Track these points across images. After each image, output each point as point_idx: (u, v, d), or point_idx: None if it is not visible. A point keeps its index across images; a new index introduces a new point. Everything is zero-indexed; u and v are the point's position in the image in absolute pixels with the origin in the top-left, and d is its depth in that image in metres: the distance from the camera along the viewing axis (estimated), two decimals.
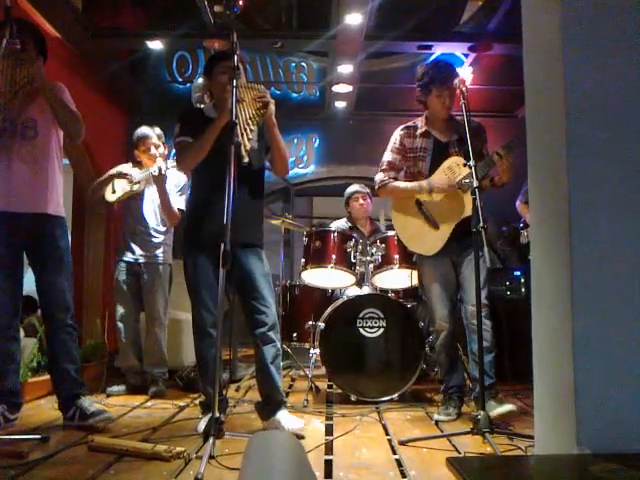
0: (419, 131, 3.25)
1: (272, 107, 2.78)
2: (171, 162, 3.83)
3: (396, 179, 3.28)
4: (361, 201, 4.65)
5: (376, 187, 3.32)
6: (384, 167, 3.29)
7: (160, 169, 3.68)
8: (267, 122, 2.83)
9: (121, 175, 3.88)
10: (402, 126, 3.32)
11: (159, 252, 4.01)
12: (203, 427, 2.41)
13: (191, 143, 2.83)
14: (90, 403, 2.92)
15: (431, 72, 3.15)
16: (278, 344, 2.84)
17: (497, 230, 4.99)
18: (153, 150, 3.95)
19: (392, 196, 3.30)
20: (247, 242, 2.84)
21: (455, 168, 3.07)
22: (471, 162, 2.72)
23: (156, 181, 3.76)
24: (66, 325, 2.91)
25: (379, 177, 3.29)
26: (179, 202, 3.92)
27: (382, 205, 4.60)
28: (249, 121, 2.69)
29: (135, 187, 3.88)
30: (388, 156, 3.30)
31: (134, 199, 3.97)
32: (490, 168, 2.99)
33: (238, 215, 2.51)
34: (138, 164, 4.02)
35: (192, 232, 2.91)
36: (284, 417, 2.76)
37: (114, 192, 3.91)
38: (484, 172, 2.95)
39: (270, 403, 2.81)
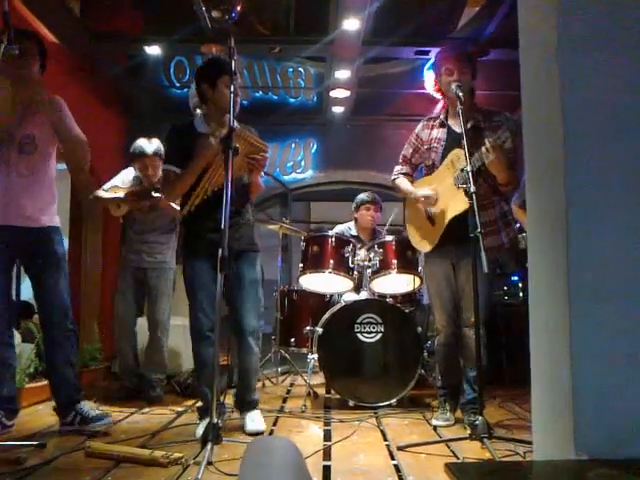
0: (437, 121, 3.18)
1: (260, 171, 2.90)
2: None
3: (407, 174, 3.28)
4: (372, 212, 4.53)
5: (390, 178, 3.37)
6: (399, 160, 3.33)
7: (158, 196, 3.76)
8: (254, 174, 2.94)
9: (128, 197, 3.89)
10: (425, 118, 3.29)
11: (165, 257, 4.03)
12: (201, 432, 2.42)
13: (175, 178, 2.90)
14: (90, 408, 2.96)
15: (438, 56, 3.15)
16: (255, 348, 2.98)
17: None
18: (150, 170, 3.92)
19: (398, 192, 3.34)
20: (241, 249, 2.94)
21: (456, 162, 2.92)
22: (468, 167, 2.68)
23: (157, 203, 3.83)
24: (66, 330, 2.93)
25: (394, 170, 3.34)
26: None
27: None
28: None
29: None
30: (404, 149, 3.31)
31: None
32: (481, 163, 2.82)
33: (232, 224, 2.61)
34: (137, 178, 4.01)
35: (190, 238, 2.97)
36: (251, 419, 2.92)
37: (119, 207, 3.92)
38: (475, 167, 2.78)
39: (243, 400, 3.02)
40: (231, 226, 2.60)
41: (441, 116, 3.18)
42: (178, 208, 3.88)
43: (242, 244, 2.97)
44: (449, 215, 2.96)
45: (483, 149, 2.79)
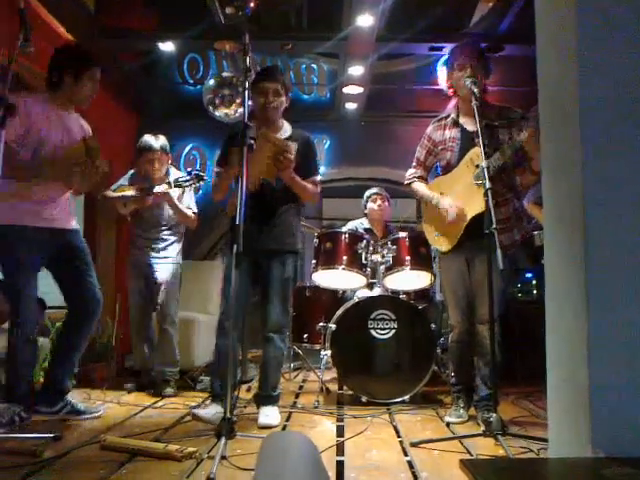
0: (448, 121, 3.16)
1: (287, 172, 2.97)
2: (176, 173, 4.03)
3: (422, 177, 3.27)
4: (379, 202, 4.60)
5: (404, 182, 3.35)
6: (413, 163, 3.30)
7: (164, 190, 3.83)
8: (281, 175, 3.01)
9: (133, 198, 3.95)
10: (435, 118, 3.26)
11: (170, 253, 4.09)
12: (204, 413, 2.78)
13: (217, 179, 3.14)
14: (76, 400, 3.16)
15: (451, 52, 3.13)
16: (279, 344, 3.09)
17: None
18: (156, 165, 3.99)
19: (414, 196, 3.33)
20: (273, 249, 3.07)
21: (476, 160, 2.87)
22: (483, 163, 2.67)
23: (163, 199, 3.89)
24: (95, 322, 3.14)
25: (408, 173, 3.32)
26: (193, 206, 4.10)
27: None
28: (257, 175, 2.91)
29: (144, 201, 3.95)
30: (417, 151, 3.28)
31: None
32: (513, 151, 2.79)
33: (264, 225, 2.98)
34: (140, 172, 4.06)
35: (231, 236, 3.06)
36: (265, 413, 2.99)
37: (125, 205, 3.97)
38: (507, 156, 2.79)
39: (261, 395, 3.11)
40: (265, 227, 2.98)
41: (452, 115, 3.15)
42: (188, 211, 4.01)
43: (275, 244, 3.08)
44: (470, 214, 2.94)
45: (523, 134, 2.74)
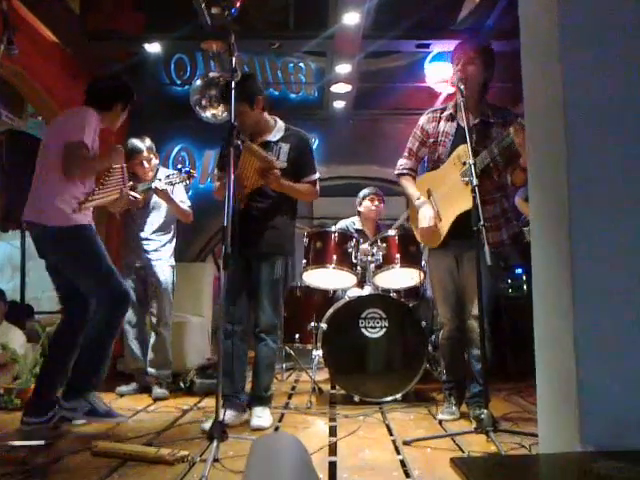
0: (445, 114, 3.13)
1: (274, 185, 3.02)
2: (165, 171, 4.07)
3: (412, 169, 3.24)
4: (376, 202, 4.60)
5: (395, 172, 3.33)
6: (405, 154, 3.27)
7: (157, 187, 3.84)
8: (270, 187, 3.06)
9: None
10: (429, 109, 3.24)
11: (162, 255, 4.08)
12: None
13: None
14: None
15: (454, 48, 3.13)
16: (271, 344, 3.09)
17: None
18: (145, 164, 4.04)
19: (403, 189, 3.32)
20: (262, 252, 3.09)
21: (463, 158, 2.85)
22: (470, 160, 2.67)
23: (159, 195, 3.90)
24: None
25: (399, 163, 3.29)
26: (186, 201, 4.13)
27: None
28: (246, 187, 3.01)
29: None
30: (409, 142, 3.25)
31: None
32: (503, 147, 2.79)
33: (252, 228, 2.99)
34: (132, 175, 4.05)
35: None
36: (257, 415, 2.97)
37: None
38: (495, 152, 2.81)
39: (253, 395, 3.09)
40: (257, 229, 3.01)
41: (450, 109, 3.14)
42: (183, 205, 4.03)
43: (264, 247, 3.09)
44: (456, 212, 2.93)
45: (512, 129, 2.70)
